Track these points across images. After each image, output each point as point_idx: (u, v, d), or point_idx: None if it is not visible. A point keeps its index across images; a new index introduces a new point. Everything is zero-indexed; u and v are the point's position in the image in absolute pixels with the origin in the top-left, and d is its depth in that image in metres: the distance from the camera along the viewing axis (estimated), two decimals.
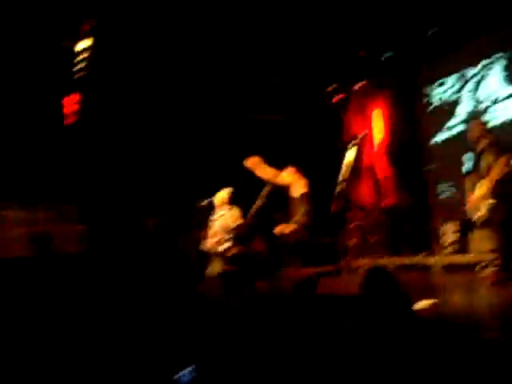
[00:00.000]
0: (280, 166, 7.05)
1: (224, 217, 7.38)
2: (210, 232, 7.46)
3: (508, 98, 8.48)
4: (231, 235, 7.24)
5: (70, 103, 9.68)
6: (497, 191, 5.75)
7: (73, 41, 8.47)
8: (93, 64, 8.93)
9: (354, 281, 7.32)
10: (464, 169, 7.96)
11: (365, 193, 10.49)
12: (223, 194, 7.47)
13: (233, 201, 7.47)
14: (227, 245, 7.23)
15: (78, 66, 9.00)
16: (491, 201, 5.77)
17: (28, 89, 9.00)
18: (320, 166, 8.98)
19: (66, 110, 9.70)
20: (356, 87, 9.83)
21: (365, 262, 8.67)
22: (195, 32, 8.53)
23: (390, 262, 8.45)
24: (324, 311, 4.96)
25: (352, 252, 9.37)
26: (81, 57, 8.83)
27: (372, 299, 3.60)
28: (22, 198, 9.87)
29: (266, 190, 7.23)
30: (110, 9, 7.89)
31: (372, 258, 8.89)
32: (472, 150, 6.25)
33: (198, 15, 8.24)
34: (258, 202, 7.37)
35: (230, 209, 7.42)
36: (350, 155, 7.86)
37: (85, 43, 8.60)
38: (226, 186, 7.57)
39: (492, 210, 5.76)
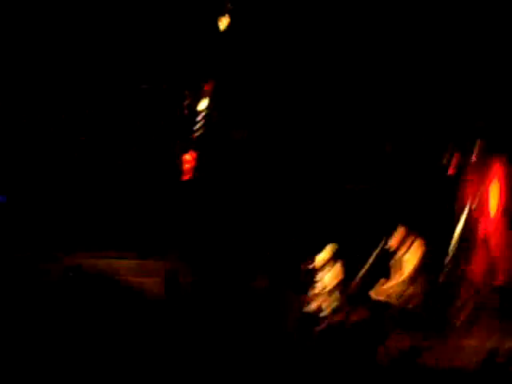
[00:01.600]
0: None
1: (326, 276, 7.30)
2: (313, 294, 7.38)
3: None
4: (332, 297, 7.12)
5: (188, 160, 10.04)
6: None
7: (195, 100, 8.87)
8: (209, 123, 9.26)
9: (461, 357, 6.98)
10: None
11: (477, 267, 9.96)
12: (324, 255, 7.40)
13: (337, 256, 7.35)
14: (327, 310, 7.11)
15: (197, 126, 9.39)
16: None
17: (150, 143, 9.47)
18: (432, 234, 8.67)
19: (184, 167, 10.07)
20: (474, 150, 9.44)
21: (471, 343, 8.17)
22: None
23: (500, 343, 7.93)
24: None
25: (459, 329, 8.86)
26: (200, 116, 9.21)
27: None
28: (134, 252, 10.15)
29: (375, 253, 7.12)
30: (229, 72, 8.22)
31: (478, 339, 8.36)
32: None
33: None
34: (366, 266, 7.25)
35: (331, 267, 7.33)
36: (460, 225, 7.62)
37: (204, 103, 8.98)
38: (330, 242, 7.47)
39: None
